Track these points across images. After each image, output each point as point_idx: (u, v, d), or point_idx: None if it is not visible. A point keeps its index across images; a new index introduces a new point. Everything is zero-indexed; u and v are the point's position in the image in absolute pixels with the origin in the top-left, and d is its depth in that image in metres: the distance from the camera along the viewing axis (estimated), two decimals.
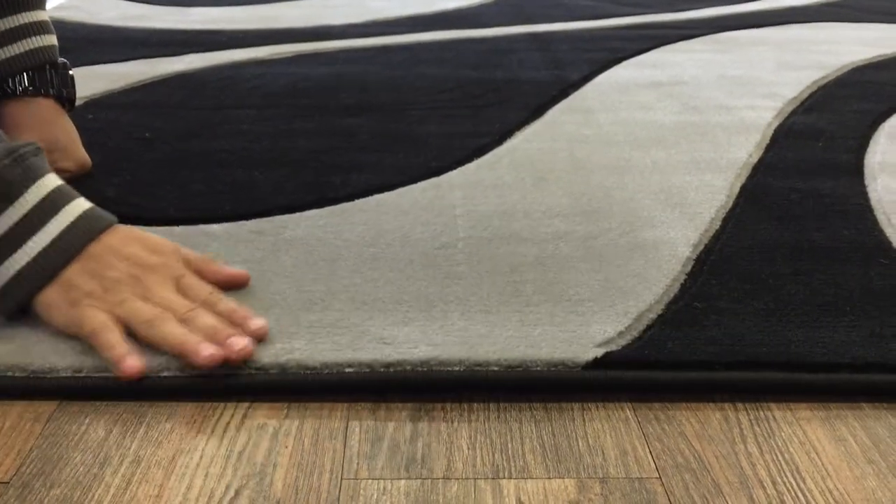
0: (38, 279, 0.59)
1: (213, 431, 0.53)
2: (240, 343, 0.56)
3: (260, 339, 0.59)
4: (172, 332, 0.57)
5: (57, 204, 0.62)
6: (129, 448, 0.51)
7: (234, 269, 0.66)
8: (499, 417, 0.54)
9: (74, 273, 0.60)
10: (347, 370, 0.56)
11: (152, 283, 0.61)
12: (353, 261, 0.70)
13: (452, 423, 0.54)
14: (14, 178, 0.60)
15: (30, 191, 0.61)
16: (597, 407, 0.55)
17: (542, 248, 0.72)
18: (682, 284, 0.67)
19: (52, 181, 0.62)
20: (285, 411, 0.55)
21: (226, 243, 0.72)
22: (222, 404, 0.55)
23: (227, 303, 0.61)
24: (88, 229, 0.62)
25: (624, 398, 0.56)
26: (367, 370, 0.56)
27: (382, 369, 0.56)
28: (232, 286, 0.65)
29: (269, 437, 0.53)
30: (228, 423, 0.54)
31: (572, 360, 0.57)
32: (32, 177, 0.61)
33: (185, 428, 0.53)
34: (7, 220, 0.60)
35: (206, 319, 0.58)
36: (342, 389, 0.56)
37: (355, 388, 0.56)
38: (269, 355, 0.57)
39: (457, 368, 0.57)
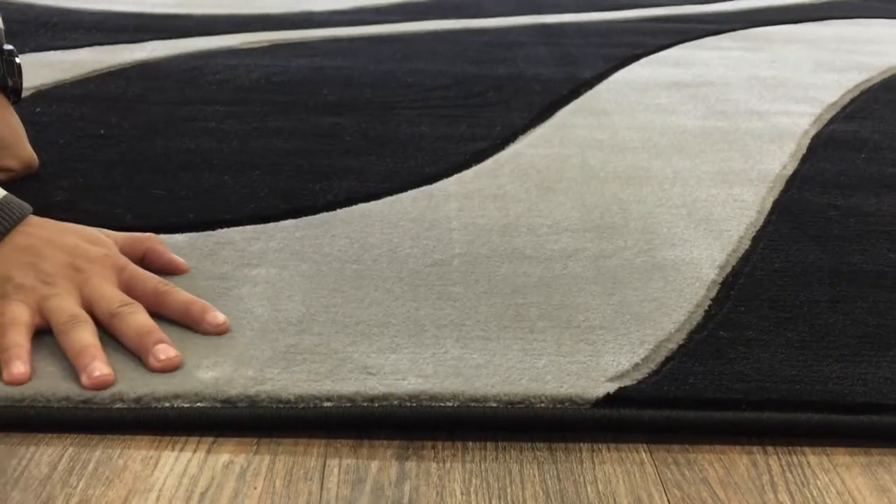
0: None
1: (171, 469, 0.53)
2: (167, 353, 0.59)
3: (221, 334, 0.62)
4: (77, 340, 0.59)
5: None
6: (76, 487, 0.51)
7: (174, 256, 0.70)
8: (497, 458, 0.55)
9: (9, 265, 0.63)
10: (326, 404, 0.56)
11: (91, 274, 0.64)
12: (333, 278, 0.70)
13: (444, 463, 0.54)
14: None
15: None
16: (608, 448, 0.56)
17: (549, 268, 0.72)
18: (706, 311, 0.67)
19: None
20: (254, 447, 0.55)
21: (190, 256, 0.72)
22: (183, 438, 0.55)
23: (180, 294, 0.64)
24: (8, 218, 0.64)
25: (639, 439, 0.56)
26: (349, 404, 0.56)
27: (366, 404, 0.56)
28: (170, 274, 0.69)
29: (236, 476, 0.52)
30: (190, 459, 0.54)
31: (581, 396, 0.57)
32: None
33: (140, 465, 0.53)
34: None
35: (137, 319, 0.61)
36: (320, 426, 0.56)
37: (335, 424, 0.56)
38: (237, 386, 0.57)
39: (450, 404, 0.57)
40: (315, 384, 0.58)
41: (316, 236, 0.76)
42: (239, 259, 0.72)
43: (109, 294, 0.63)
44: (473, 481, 0.53)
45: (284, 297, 0.67)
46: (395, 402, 0.57)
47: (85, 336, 0.60)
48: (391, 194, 0.84)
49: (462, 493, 0.52)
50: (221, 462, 0.53)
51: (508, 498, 0.52)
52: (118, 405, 0.56)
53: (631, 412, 0.57)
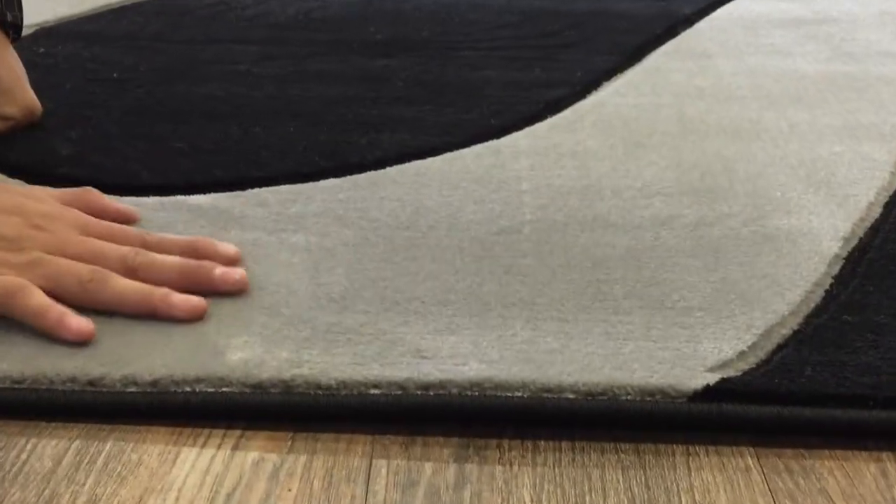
0: None
1: (193, 466, 0.53)
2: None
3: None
4: (129, 285, 0.60)
5: None
6: (84, 485, 0.52)
7: (123, 205, 0.71)
8: (574, 460, 0.54)
9: None
10: (373, 392, 0.56)
11: (63, 232, 0.63)
12: (382, 247, 0.70)
13: (511, 465, 0.54)
14: None
15: None
16: (707, 451, 0.55)
17: (637, 238, 0.72)
18: (826, 291, 0.66)
19: None
20: (289, 442, 0.55)
21: (215, 220, 0.72)
22: (206, 430, 0.56)
23: (171, 237, 0.65)
24: None
25: (744, 440, 0.56)
26: (399, 392, 0.56)
27: (419, 392, 0.56)
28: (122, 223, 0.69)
29: (268, 476, 0.53)
30: (214, 455, 0.54)
31: (675, 387, 0.56)
32: None
33: (157, 460, 0.54)
34: None
35: (166, 259, 0.62)
36: (365, 417, 0.56)
37: (383, 415, 0.56)
38: (269, 369, 0.57)
39: (519, 394, 0.56)
40: (360, 368, 0.58)
41: (362, 198, 0.76)
42: (273, 224, 0.73)
43: (107, 248, 0.63)
44: (546, 487, 0.53)
45: (325, 268, 0.67)
46: (455, 391, 0.56)
47: (126, 279, 0.60)
48: (451, 150, 0.84)
49: (532, 501, 0.52)
50: (251, 459, 0.54)
51: None
52: (131, 389, 0.57)
53: (735, 408, 0.56)
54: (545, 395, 0.56)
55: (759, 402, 0.56)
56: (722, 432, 0.56)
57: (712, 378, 0.57)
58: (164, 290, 0.60)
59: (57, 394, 0.56)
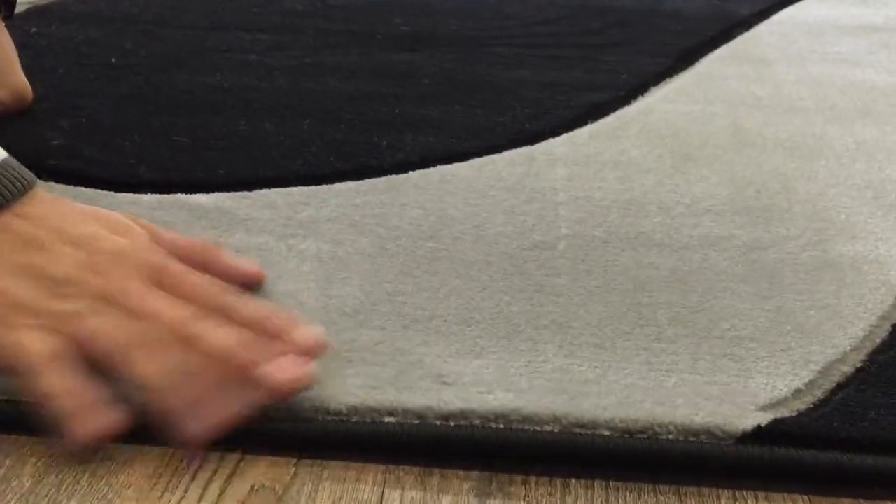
0: None
1: (186, 492, 0.53)
2: (295, 367, 0.56)
3: (316, 355, 0.58)
4: (181, 360, 0.54)
5: None
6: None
7: (247, 264, 0.66)
8: (606, 502, 0.54)
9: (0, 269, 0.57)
10: (387, 420, 0.56)
11: (121, 279, 0.58)
12: (402, 259, 0.70)
13: (538, 503, 0.54)
14: None
15: None
16: (756, 498, 0.55)
17: (684, 259, 0.72)
18: (894, 325, 0.65)
19: None
20: (292, 469, 0.55)
21: (218, 222, 0.73)
22: (202, 452, 0.55)
23: (252, 305, 0.58)
24: (4, 190, 0.60)
25: (798, 488, 0.55)
26: (417, 422, 0.56)
27: (439, 422, 0.56)
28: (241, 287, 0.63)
29: None
30: (210, 480, 0.54)
31: (722, 427, 0.56)
32: None
33: (147, 482, 0.54)
34: None
35: (226, 333, 0.56)
36: (378, 447, 0.56)
37: (398, 446, 0.56)
38: None
39: (549, 428, 0.56)
40: (374, 393, 0.58)
41: (381, 204, 0.76)
42: (281, 229, 0.73)
43: (165, 308, 0.57)
44: None
45: (338, 279, 0.67)
46: (478, 423, 0.56)
47: (179, 350, 0.55)
48: (480, 155, 0.84)
49: None
50: (249, 486, 0.54)
51: None
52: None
53: (788, 452, 0.55)
54: (578, 430, 0.56)
55: (816, 446, 0.56)
56: (773, 479, 0.56)
57: (764, 418, 0.57)
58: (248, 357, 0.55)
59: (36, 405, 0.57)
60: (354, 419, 0.56)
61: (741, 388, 0.59)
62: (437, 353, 0.61)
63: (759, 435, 0.56)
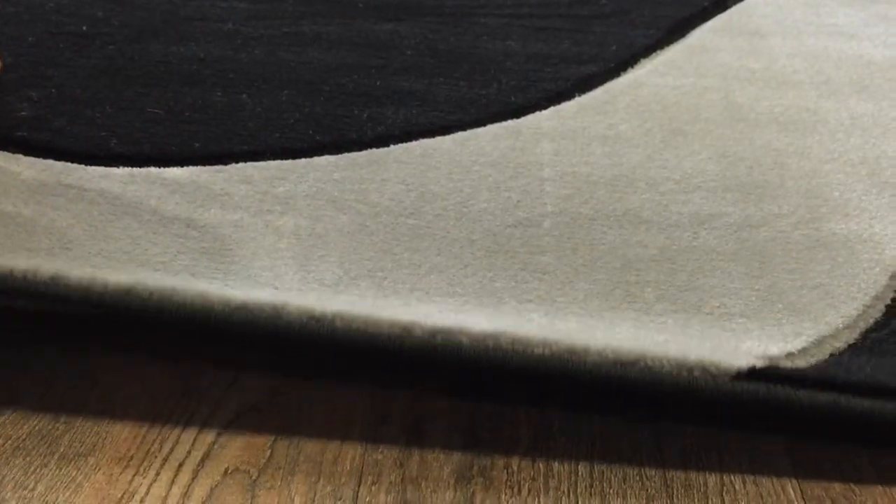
0: None
1: (158, 474, 0.53)
2: None
3: None
4: None
5: None
6: (34, 490, 0.52)
7: None
8: (591, 487, 0.54)
9: None
10: (373, 330, 0.58)
11: None
12: (382, 235, 0.70)
13: (521, 488, 0.54)
14: None
15: None
16: (744, 481, 0.55)
17: (674, 237, 0.72)
18: (888, 306, 0.66)
19: None
20: (268, 451, 0.55)
21: (193, 197, 0.72)
22: (175, 431, 0.56)
23: None
24: None
25: (786, 467, 0.56)
26: (404, 334, 0.58)
27: (426, 337, 0.57)
28: None
29: (243, 488, 0.53)
30: (183, 461, 0.54)
31: (718, 364, 0.57)
32: None
33: (117, 466, 0.54)
34: None
35: None
36: (367, 356, 0.58)
37: (387, 355, 0.58)
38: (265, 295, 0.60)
39: (539, 350, 0.57)
40: (363, 304, 0.59)
41: (361, 179, 0.76)
42: (258, 204, 0.73)
43: None
44: None
45: (316, 255, 0.67)
46: (464, 341, 0.58)
47: None
48: (464, 129, 0.84)
49: None
50: (224, 468, 0.54)
51: None
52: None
53: (785, 390, 0.56)
54: (568, 357, 0.57)
55: (814, 388, 0.57)
56: (766, 420, 0.56)
57: (759, 362, 0.58)
58: None
59: None
60: (339, 324, 0.58)
61: (734, 347, 0.60)
62: (422, 312, 0.61)
63: (754, 374, 0.57)
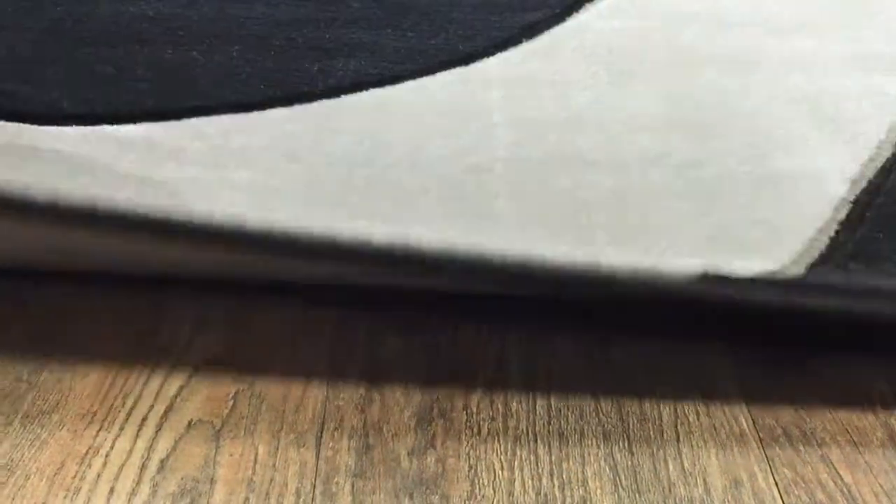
0: None
1: (122, 428, 0.53)
2: None
3: None
4: None
5: None
6: None
7: None
8: (550, 424, 0.55)
9: None
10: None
11: None
12: (336, 186, 0.70)
13: (480, 428, 0.54)
14: None
15: None
16: (697, 413, 0.56)
17: (623, 177, 0.72)
18: (832, 238, 0.66)
19: None
20: (230, 402, 0.55)
21: (146, 154, 0.72)
22: (138, 386, 0.55)
23: None
24: None
25: (737, 396, 0.56)
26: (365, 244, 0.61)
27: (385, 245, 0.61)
28: None
29: (207, 439, 0.53)
30: (146, 415, 0.54)
31: (671, 272, 0.60)
32: None
33: (82, 422, 0.53)
34: None
35: None
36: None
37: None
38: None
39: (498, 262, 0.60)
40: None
41: (314, 130, 0.76)
42: (213, 159, 0.72)
43: None
44: (518, 453, 0.53)
45: (268, 208, 0.67)
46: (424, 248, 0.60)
47: None
48: (414, 78, 0.83)
49: (503, 470, 0.52)
50: (187, 420, 0.54)
51: (564, 476, 0.52)
52: None
53: (740, 289, 0.59)
54: (525, 261, 0.60)
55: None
56: (733, 318, 0.57)
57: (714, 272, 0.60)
58: None
59: None
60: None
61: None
62: None
63: (707, 280, 0.61)
